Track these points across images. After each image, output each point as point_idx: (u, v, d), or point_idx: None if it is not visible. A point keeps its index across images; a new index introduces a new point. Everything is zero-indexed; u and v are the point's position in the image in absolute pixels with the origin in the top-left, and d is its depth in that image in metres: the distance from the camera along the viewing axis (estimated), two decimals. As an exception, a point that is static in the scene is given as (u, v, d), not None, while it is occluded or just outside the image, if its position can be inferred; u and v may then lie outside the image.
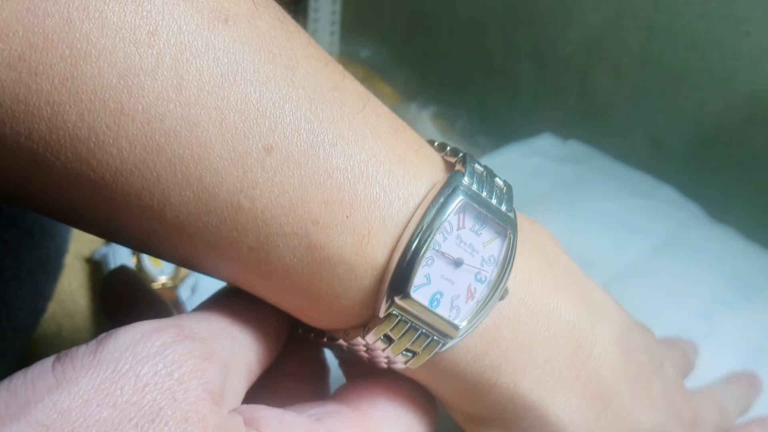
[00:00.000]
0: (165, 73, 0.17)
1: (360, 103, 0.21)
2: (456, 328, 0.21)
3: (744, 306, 0.43)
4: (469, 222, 0.21)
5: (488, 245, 0.21)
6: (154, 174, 0.18)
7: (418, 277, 0.20)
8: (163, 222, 0.19)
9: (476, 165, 0.22)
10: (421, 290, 0.21)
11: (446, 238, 0.21)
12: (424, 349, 0.21)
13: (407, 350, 0.21)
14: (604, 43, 0.60)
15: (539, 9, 0.64)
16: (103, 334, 0.18)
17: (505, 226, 0.22)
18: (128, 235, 0.20)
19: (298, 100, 0.19)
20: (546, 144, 0.59)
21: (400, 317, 0.21)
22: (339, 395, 0.23)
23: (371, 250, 0.20)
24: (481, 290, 0.21)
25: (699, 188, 0.54)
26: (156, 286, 0.44)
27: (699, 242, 0.48)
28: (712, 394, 0.34)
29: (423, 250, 0.20)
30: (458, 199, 0.20)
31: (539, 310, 0.23)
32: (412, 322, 0.21)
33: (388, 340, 0.21)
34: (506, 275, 0.22)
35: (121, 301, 0.26)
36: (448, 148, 0.23)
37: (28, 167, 0.18)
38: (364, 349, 0.22)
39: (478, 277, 0.21)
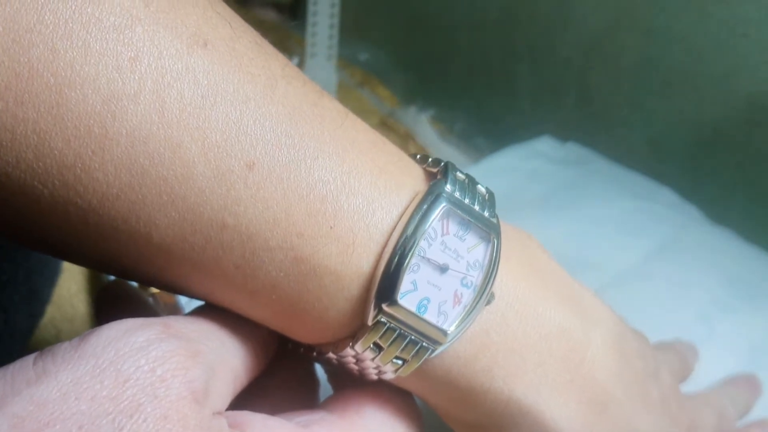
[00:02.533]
0: (147, 96, 0.18)
1: (339, 119, 0.21)
2: (444, 333, 0.21)
3: (743, 308, 0.43)
4: (453, 228, 0.21)
5: (473, 250, 0.22)
6: (140, 196, 0.18)
7: (405, 284, 0.20)
8: (149, 246, 0.19)
9: (458, 173, 0.22)
10: (408, 297, 0.21)
11: (431, 245, 0.21)
12: (413, 356, 0.21)
13: (397, 358, 0.21)
14: (603, 46, 0.61)
15: (538, 12, 0.64)
16: (88, 331, 0.18)
17: (489, 231, 0.22)
18: (116, 263, 0.20)
19: (278, 117, 0.19)
20: (545, 146, 0.59)
21: (388, 324, 0.21)
22: (326, 404, 0.23)
23: (356, 259, 0.20)
24: (468, 295, 0.21)
25: (698, 190, 0.54)
26: (154, 290, 0.44)
27: (698, 245, 0.48)
28: (709, 399, 0.34)
29: (408, 257, 0.20)
30: (441, 206, 0.21)
31: (527, 314, 0.23)
32: (400, 329, 0.21)
33: (378, 348, 0.21)
34: (492, 279, 0.22)
35: (116, 314, 0.26)
36: (430, 159, 0.23)
37: (16, 198, 0.18)
38: (354, 360, 0.22)
39: (464, 282, 0.21)
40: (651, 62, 0.58)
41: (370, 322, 0.21)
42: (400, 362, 0.22)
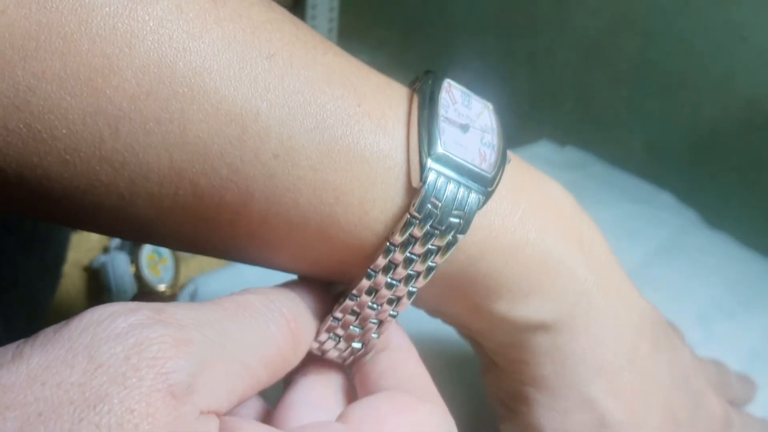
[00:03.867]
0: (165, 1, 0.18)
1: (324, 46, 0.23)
2: (488, 173, 0.22)
3: (741, 312, 0.43)
4: (458, 97, 0.23)
5: (480, 116, 0.23)
6: (171, 91, 0.18)
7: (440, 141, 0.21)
8: (184, 145, 0.19)
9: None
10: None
11: (447, 110, 0.22)
12: (467, 208, 0.21)
13: (432, 248, 0.21)
14: (601, 49, 0.61)
15: (536, 15, 0.65)
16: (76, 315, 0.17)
17: (485, 101, 0.24)
18: (146, 183, 0.20)
19: (291, 21, 0.21)
20: (543, 150, 0.59)
21: (438, 177, 0.21)
22: (343, 415, 0.21)
23: (391, 128, 0.21)
24: (491, 154, 0.22)
25: (696, 193, 0.54)
26: (166, 291, 0.44)
27: (696, 248, 0.48)
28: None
29: (437, 116, 0.21)
30: (445, 80, 0.23)
31: (538, 187, 0.25)
32: (450, 178, 0.21)
33: (411, 239, 0.21)
34: (504, 140, 0.23)
35: None
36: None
37: (43, 117, 0.18)
38: (381, 282, 0.22)
39: (483, 141, 0.22)
40: (649, 65, 0.58)
41: (418, 181, 0.21)
42: (434, 249, 0.21)
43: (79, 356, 0.16)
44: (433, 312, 0.26)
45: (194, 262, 0.52)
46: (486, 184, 0.22)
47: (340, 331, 0.23)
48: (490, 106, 0.24)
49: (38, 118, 0.18)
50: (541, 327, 0.25)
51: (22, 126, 0.18)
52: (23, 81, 0.17)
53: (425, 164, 0.21)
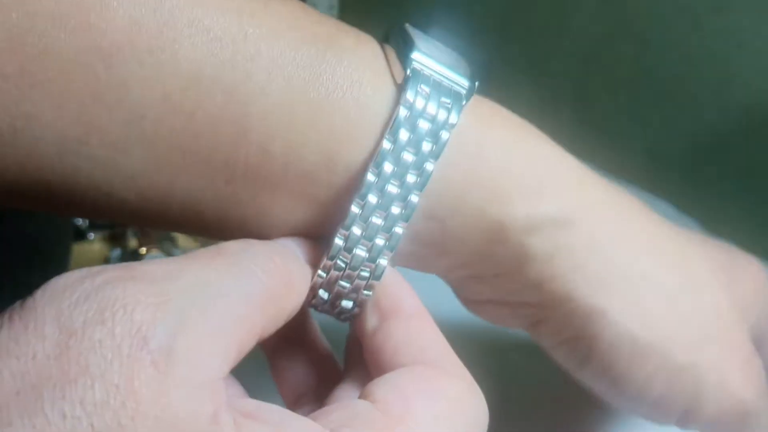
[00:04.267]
0: None
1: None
2: (463, 87, 0.22)
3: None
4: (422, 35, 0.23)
5: (445, 52, 0.23)
6: (161, 20, 0.19)
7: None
8: (178, 75, 0.19)
9: None
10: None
11: (417, 39, 0.22)
12: (454, 104, 0.21)
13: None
14: (599, 57, 0.61)
15: (534, 22, 0.65)
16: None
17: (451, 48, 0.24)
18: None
19: None
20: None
21: (420, 75, 0.21)
22: (368, 393, 0.19)
23: (370, 53, 0.22)
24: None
25: (695, 199, 0.54)
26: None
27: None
28: None
29: (410, 39, 0.22)
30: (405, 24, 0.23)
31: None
32: (435, 73, 0.21)
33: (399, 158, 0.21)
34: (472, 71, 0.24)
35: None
36: None
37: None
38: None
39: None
40: (647, 72, 0.58)
41: (403, 75, 0.21)
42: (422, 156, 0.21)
43: (48, 325, 0.15)
44: (444, 268, 0.25)
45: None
46: (463, 86, 0.22)
47: (328, 280, 0.22)
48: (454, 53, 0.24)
49: (33, 60, 0.18)
50: (566, 222, 0.24)
51: (17, 70, 0.18)
52: (17, 22, 0.17)
53: (406, 61, 0.21)
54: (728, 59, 0.53)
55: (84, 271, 0.16)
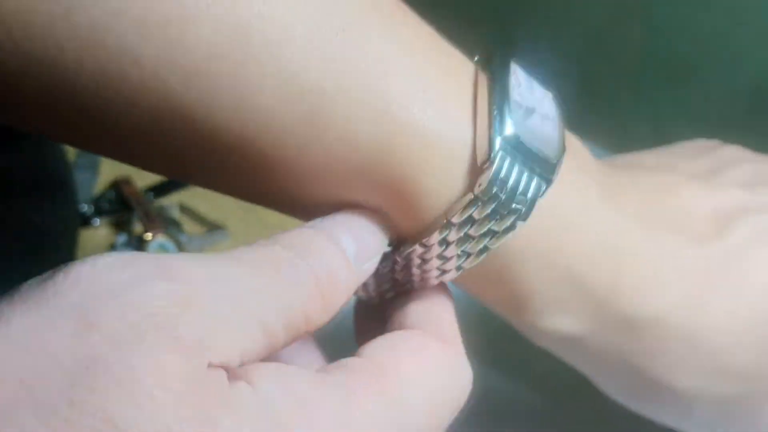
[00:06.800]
0: None
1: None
2: (552, 160, 0.21)
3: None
4: (522, 80, 0.22)
5: (542, 103, 0.22)
6: (245, 55, 0.18)
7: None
8: (256, 114, 0.19)
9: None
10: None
11: (514, 93, 0.21)
12: (530, 194, 0.21)
13: (488, 232, 0.21)
14: (605, 38, 0.60)
15: (539, 4, 0.64)
16: (62, 266, 0.15)
17: (547, 86, 0.23)
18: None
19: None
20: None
21: (507, 156, 0.20)
22: (360, 351, 0.20)
23: (453, 113, 0.21)
24: (552, 142, 0.22)
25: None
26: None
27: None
28: None
29: (507, 97, 0.21)
30: (511, 61, 0.22)
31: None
32: (518, 160, 0.20)
33: (471, 221, 0.20)
34: (564, 130, 0.23)
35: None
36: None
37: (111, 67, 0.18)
38: (426, 254, 0.21)
39: (545, 128, 0.22)
40: (653, 53, 0.58)
41: (491, 152, 0.20)
42: (487, 239, 0.21)
43: (67, 316, 0.14)
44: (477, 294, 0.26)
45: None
46: (549, 171, 0.21)
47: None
48: (550, 94, 0.23)
49: (112, 58, 0.17)
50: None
51: (96, 66, 0.17)
52: (100, 19, 0.17)
53: (494, 143, 0.20)
54: (735, 39, 0.52)
55: (113, 258, 0.15)
